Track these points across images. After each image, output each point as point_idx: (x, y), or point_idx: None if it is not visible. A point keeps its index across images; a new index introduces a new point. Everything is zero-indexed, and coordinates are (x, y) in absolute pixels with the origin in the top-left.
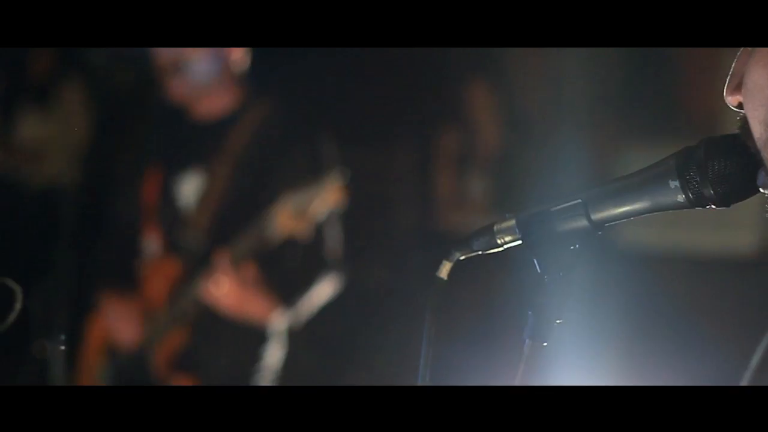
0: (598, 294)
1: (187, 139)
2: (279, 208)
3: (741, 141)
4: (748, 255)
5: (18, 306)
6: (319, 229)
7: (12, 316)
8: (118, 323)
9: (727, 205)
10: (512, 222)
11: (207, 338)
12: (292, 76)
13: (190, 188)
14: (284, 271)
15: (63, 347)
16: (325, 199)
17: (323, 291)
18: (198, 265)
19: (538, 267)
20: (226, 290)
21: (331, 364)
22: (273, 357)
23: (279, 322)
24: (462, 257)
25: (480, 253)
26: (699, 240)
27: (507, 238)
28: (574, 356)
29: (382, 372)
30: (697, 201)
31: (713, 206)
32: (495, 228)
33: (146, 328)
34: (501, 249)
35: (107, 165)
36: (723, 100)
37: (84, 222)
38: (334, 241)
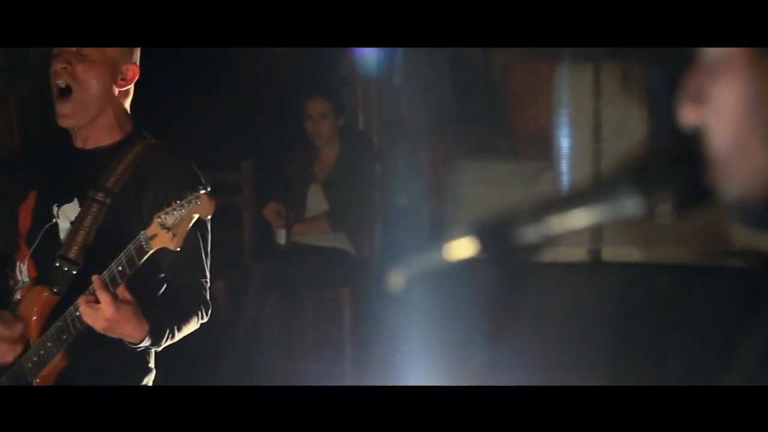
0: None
1: (65, 168)
2: (151, 227)
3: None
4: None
5: None
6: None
7: None
8: None
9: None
10: None
11: (81, 362)
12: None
13: (64, 217)
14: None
15: None
16: (193, 211)
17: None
18: (70, 293)
19: None
20: (101, 311)
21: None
22: (148, 376)
23: (149, 342)
24: None
25: None
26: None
27: None
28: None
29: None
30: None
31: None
32: None
33: (22, 359)
34: None
35: None
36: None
37: None
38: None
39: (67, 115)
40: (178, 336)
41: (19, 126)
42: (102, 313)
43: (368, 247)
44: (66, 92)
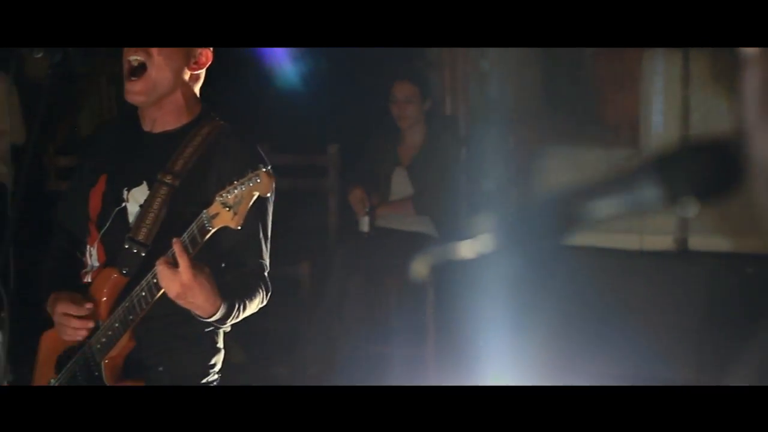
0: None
1: (134, 152)
2: (212, 207)
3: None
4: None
5: None
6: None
7: None
8: (65, 334)
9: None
10: None
11: (149, 343)
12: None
13: (133, 200)
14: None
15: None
16: (253, 190)
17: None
18: (138, 275)
19: None
20: (179, 275)
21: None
22: (216, 356)
23: (217, 320)
24: None
25: None
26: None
27: None
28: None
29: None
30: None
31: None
32: None
33: (91, 340)
34: None
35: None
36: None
37: (26, 224)
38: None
39: (137, 92)
40: (241, 316)
41: (109, 107)
42: (179, 276)
43: (452, 232)
44: (138, 70)
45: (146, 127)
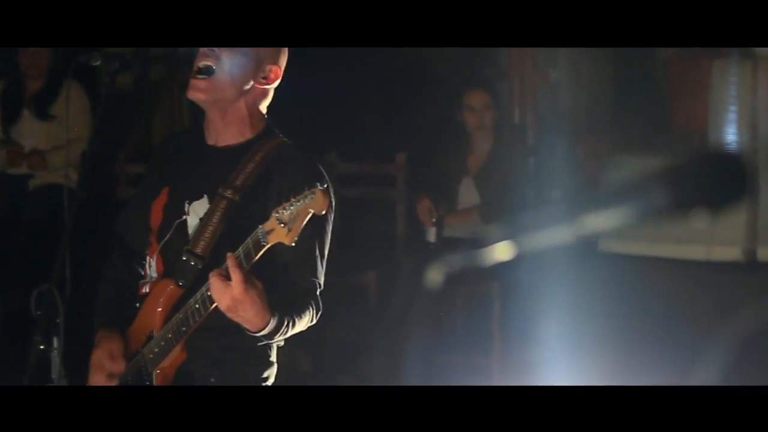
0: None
1: (197, 165)
2: (268, 222)
3: None
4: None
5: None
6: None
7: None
8: (112, 347)
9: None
10: None
11: (200, 354)
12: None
13: (194, 213)
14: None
15: (56, 349)
16: (308, 207)
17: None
18: (193, 288)
19: None
20: (231, 288)
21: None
22: (269, 369)
23: (265, 335)
24: None
25: None
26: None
27: None
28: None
29: (372, 374)
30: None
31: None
32: None
33: (144, 349)
34: None
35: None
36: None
37: (92, 231)
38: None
39: (201, 89)
40: (290, 333)
41: (181, 115)
42: (231, 290)
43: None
44: (205, 71)
45: (210, 140)
